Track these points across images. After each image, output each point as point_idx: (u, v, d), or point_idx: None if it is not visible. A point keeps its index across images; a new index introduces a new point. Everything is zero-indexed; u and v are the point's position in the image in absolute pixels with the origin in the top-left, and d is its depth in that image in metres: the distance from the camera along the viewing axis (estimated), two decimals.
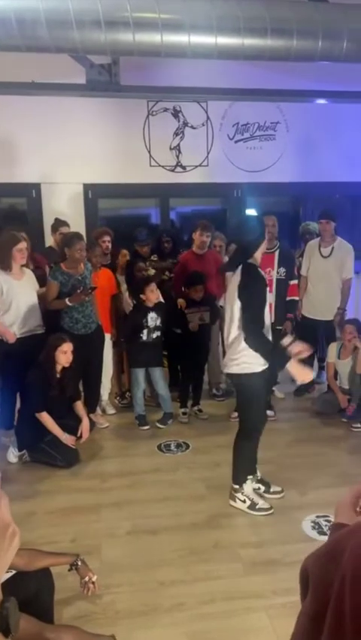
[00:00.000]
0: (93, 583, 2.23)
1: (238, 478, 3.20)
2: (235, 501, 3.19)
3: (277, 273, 4.28)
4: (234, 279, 3.01)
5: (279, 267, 4.28)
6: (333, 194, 6.73)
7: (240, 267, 2.98)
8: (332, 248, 4.74)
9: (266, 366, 2.98)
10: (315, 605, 0.64)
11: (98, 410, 4.55)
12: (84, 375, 4.19)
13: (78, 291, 3.96)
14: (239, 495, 3.18)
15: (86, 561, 2.24)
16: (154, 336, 4.32)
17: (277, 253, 4.29)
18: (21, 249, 3.84)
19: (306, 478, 3.47)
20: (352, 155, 6.45)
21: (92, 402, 4.39)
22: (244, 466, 3.22)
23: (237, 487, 3.20)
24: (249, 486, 3.23)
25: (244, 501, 3.17)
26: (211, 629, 2.27)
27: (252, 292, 2.92)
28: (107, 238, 4.73)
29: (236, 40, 3.29)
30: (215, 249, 4.98)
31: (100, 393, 4.56)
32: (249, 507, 3.15)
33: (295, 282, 4.46)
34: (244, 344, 2.95)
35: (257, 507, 3.14)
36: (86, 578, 2.22)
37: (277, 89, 4.91)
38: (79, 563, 2.20)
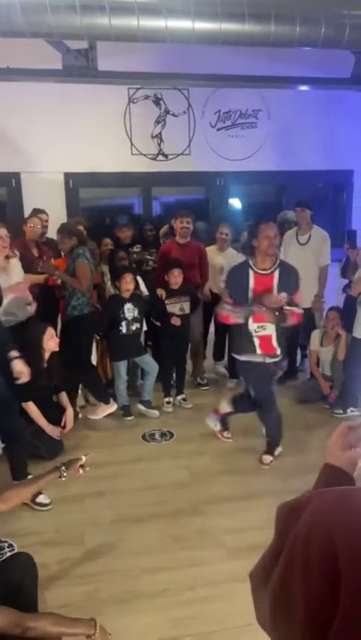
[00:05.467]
0: (83, 465, 2.23)
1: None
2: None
3: None
4: None
5: (278, 292, 3.27)
6: (316, 183, 6.73)
7: None
8: (309, 236, 4.76)
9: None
10: (276, 544, 0.76)
11: (92, 400, 4.55)
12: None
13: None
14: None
15: (69, 463, 2.22)
16: (134, 328, 4.30)
17: (276, 274, 3.32)
18: (1, 236, 3.75)
19: (290, 464, 3.51)
20: (334, 143, 6.44)
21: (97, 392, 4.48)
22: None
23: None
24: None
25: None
26: (195, 614, 2.29)
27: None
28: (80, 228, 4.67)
29: (214, 24, 3.26)
30: (222, 236, 4.92)
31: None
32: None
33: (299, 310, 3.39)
34: None
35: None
36: (80, 471, 2.22)
37: (259, 76, 4.87)
38: (63, 468, 2.17)
